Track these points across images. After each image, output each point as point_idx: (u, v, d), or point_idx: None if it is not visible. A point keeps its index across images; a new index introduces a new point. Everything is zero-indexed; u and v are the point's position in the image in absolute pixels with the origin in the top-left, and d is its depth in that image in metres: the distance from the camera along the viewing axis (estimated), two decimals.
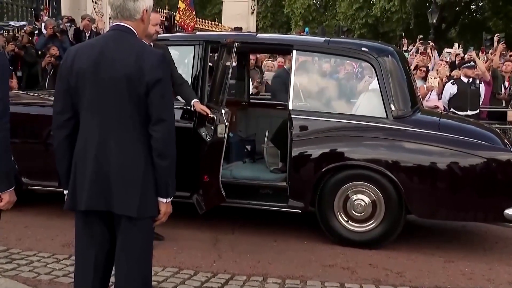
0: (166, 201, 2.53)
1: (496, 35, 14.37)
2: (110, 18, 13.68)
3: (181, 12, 16.53)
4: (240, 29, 16.18)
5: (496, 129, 5.78)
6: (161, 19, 11.03)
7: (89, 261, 2.57)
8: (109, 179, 2.43)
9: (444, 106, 8.30)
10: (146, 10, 2.54)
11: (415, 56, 11.25)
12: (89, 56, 2.44)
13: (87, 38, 9.98)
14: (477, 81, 8.44)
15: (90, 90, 2.44)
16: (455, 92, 8.22)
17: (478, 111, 8.25)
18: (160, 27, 5.26)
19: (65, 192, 2.60)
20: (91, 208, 2.47)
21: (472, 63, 8.58)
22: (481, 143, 4.70)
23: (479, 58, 11.71)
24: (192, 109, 4.67)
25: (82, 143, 2.49)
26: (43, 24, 10.20)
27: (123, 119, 2.44)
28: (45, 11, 12.33)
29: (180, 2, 16.77)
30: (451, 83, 8.43)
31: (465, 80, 8.28)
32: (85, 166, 2.46)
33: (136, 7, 2.50)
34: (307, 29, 25.45)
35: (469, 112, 8.02)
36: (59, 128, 2.55)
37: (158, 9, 10.95)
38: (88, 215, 2.52)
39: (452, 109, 8.15)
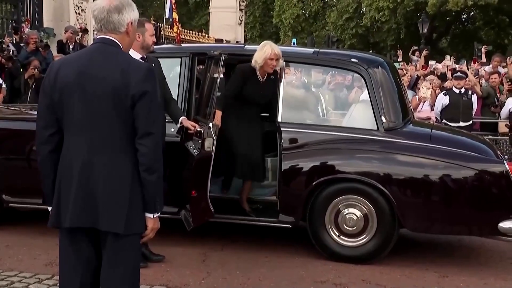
0: (153, 217, 2.48)
1: (483, 46, 14.40)
2: (94, 30, 13.65)
3: (177, 23, 16.53)
4: (221, 40, 16.15)
5: (488, 141, 5.72)
6: None
7: (75, 281, 2.50)
8: (94, 195, 2.38)
9: (436, 117, 8.26)
10: (131, 23, 2.50)
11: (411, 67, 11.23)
12: (73, 71, 2.40)
13: (71, 50, 9.88)
14: (470, 92, 8.40)
15: (74, 105, 2.39)
16: (447, 103, 8.19)
17: (470, 122, 8.22)
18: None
19: (50, 209, 2.53)
20: (76, 225, 2.41)
21: (461, 74, 8.51)
22: (474, 155, 4.65)
23: (469, 69, 11.74)
24: (178, 125, 4.57)
25: (66, 159, 2.43)
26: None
27: (109, 134, 2.38)
28: (26, 22, 12.18)
29: (174, 13, 16.81)
30: (443, 94, 8.40)
31: (457, 91, 8.25)
32: (70, 183, 2.40)
33: (120, 19, 2.45)
34: (294, 40, 25.48)
35: (462, 124, 7.98)
36: (43, 144, 2.49)
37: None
38: (73, 232, 2.45)
39: (444, 120, 8.10)
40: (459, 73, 8.56)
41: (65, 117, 2.42)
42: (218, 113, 4.71)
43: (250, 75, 4.91)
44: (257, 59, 4.80)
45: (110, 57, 2.42)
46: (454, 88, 8.32)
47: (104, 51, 2.44)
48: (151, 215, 2.47)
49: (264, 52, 4.77)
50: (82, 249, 2.48)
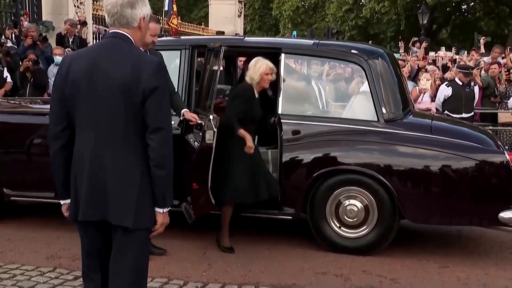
0: (163, 211, 2.49)
1: (482, 38, 14.36)
2: (93, 23, 13.46)
3: (176, 16, 16.47)
4: (222, 33, 16.10)
5: (489, 131, 5.72)
6: None
7: (96, 271, 2.57)
8: (105, 189, 2.41)
9: (437, 108, 8.23)
10: (144, 18, 2.51)
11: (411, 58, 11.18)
12: (84, 65, 2.42)
13: (70, 43, 9.85)
14: (472, 84, 8.36)
15: (85, 99, 2.41)
16: (449, 94, 8.12)
17: (472, 113, 8.18)
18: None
19: (62, 202, 2.59)
20: (88, 219, 2.45)
21: (469, 70, 8.43)
22: (474, 145, 4.65)
23: (469, 58, 11.73)
24: (181, 118, 4.57)
25: (78, 154, 2.46)
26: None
27: (119, 129, 2.40)
28: (25, 16, 12.15)
29: (174, 5, 16.80)
30: (445, 85, 8.34)
31: (460, 82, 8.19)
32: (82, 177, 2.43)
33: (133, 14, 2.47)
34: (295, 32, 25.47)
35: (464, 115, 7.92)
36: (55, 139, 2.52)
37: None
38: (88, 226, 2.50)
39: (446, 112, 8.05)
40: (469, 70, 8.46)
41: (76, 111, 2.44)
42: (244, 132, 4.53)
43: (250, 94, 4.74)
44: (254, 76, 4.68)
45: (121, 51, 2.43)
46: (457, 79, 8.28)
47: (116, 45, 2.45)
48: (160, 210, 2.48)
49: (259, 68, 4.66)
50: (96, 242, 2.54)
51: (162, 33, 15.58)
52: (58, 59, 8.55)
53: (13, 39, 10.37)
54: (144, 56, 2.48)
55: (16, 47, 9.76)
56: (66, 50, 9.26)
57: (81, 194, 2.44)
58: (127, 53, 2.42)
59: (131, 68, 2.36)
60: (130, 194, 2.40)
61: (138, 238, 2.47)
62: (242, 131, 4.55)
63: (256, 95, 4.77)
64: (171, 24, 16.86)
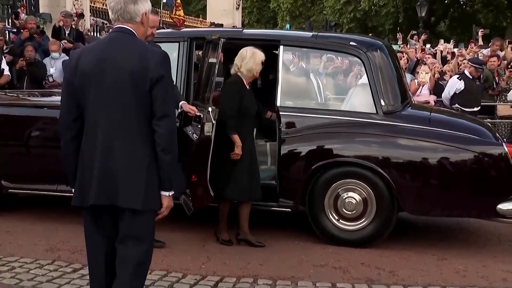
0: (168, 195, 2.62)
1: (480, 30, 14.34)
2: (90, 15, 13.31)
3: (181, 7, 16.45)
4: (221, 25, 16.07)
5: (487, 123, 5.72)
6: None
7: (100, 257, 2.67)
8: (115, 176, 2.52)
9: (442, 101, 8.17)
10: (146, 13, 2.67)
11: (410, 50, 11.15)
12: (93, 58, 2.55)
13: (66, 35, 9.75)
14: (482, 77, 8.32)
15: (95, 90, 2.53)
16: (462, 88, 7.98)
17: (480, 107, 8.11)
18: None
19: (74, 190, 2.68)
20: (98, 203, 2.55)
21: (481, 66, 8.36)
22: (473, 137, 4.65)
23: (467, 50, 11.72)
24: (179, 110, 4.56)
25: (88, 143, 2.57)
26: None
27: (127, 118, 2.53)
28: (22, 8, 12.10)
29: None
30: (457, 78, 8.24)
31: (470, 76, 8.09)
32: (91, 164, 2.54)
33: (136, 10, 2.62)
34: (288, 26, 25.47)
35: (475, 109, 7.88)
36: (66, 130, 2.64)
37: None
38: (95, 211, 2.60)
39: (457, 105, 7.89)
40: (482, 65, 8.37)
41: (86, 102, 2.56)
42: (236, 138, 4.44)
43: (241, 87, 4.58)
44: (255, 67, 4.52)
45: (127, 44, 2.58)
46: (467, 73, 8.15)
47: (122, 38, 2.59)
48: (166, 193, 2.61)
49: (257, 58, 4.50)
50: (103, 227, 2.65)
51: (161, 25, 15.54)
52: (54, 55, 8.56)
53: (13, 29, 10.30)
54: (149, 48, 2.63)
55: (16, 34, 9.70)
56: (62, 42, 9.21)
57: (89, 180, 2.54)
58: (133, 46, 2.57)
59: (138, 59, 2.51)
60: (139, 178, 2.53)
61: (145, 220, 2.59)
62: (235, 137, 4.44)
63: (247, 87, 4.68)
64: (176, 16, 16.84)
